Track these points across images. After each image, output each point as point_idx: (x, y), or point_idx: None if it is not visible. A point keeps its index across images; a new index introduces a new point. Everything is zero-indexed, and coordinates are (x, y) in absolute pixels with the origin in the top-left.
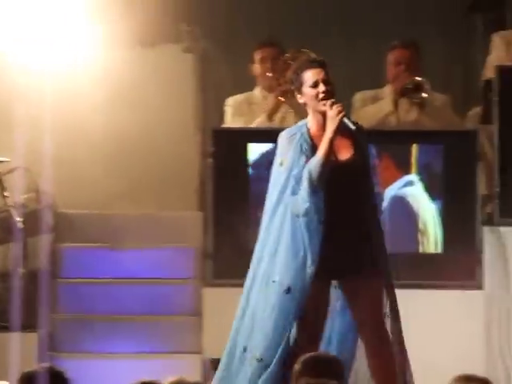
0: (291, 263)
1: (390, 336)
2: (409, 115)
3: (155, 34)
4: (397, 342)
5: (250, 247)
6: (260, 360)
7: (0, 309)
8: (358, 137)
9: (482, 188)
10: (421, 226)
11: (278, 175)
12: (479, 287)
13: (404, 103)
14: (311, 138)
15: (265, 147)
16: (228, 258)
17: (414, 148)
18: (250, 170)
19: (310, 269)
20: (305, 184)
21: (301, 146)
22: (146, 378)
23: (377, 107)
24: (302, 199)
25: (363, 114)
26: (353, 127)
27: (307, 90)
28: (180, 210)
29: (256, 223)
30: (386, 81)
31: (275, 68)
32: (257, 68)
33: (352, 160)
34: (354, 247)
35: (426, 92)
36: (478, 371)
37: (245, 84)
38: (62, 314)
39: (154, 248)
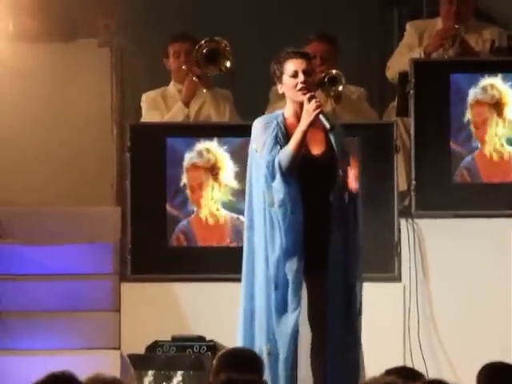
0: (271, 256)
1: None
2: (325, 108)
3: (71, 28)
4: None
5: (167, 242)
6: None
7: None
8: (333, 134)
9: (400, 180)
10: None
11: (256, 164)
12: (397, 279)
13: (320, 96)
14: (286, 128)
15: (181, 142)
16: (146, 253)
17: None
18: (168, 165)
19: (293, 262)
20: (277, 175)
21: (276, 135)
22: (57, 371)
23: None
24: (275, 189)
25: (279, 107)
26: (328, 126)
27: (287, 79)
28: (98, 205)
29: (173, 218)
30: None
31: (189, 61)
32: (171, 62)
33: (324, 156)
34: (318, 243)
35: (341, 85)
36: (397, 362)
37: (162, 78)
38: None
39: (72, 243)
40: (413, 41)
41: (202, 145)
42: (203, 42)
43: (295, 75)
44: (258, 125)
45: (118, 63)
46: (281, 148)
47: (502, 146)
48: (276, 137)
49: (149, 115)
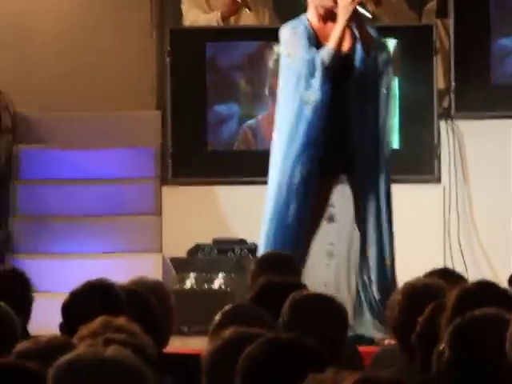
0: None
1: None
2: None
3: None
4: None
5: (208, 145)
6: None
7: None
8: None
9: (439, 82)
10: None
11: (287, 68)
12: (437, 181)
13: None
14: (314, 30)
15: (222, 46)
16: (187, 156)
17: None
18: (207, 69)
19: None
20: (318, 74)
21: (308, 37)
22: (94, 279)
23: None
24: (314, 89)
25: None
26: (369, 15)
27: None
28: (138, 109)
29: (214, 122)
30: None
31: None
32: None
33: (352, 51)
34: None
35: None
36: (437, 263)
37: None
38: (21, 215)
39: (113, 148)
40: None
41: None
42: None
43: None
44: (285, 30)
45: None
46: (315, 49)
47: None
48: (308, 38)
49: (190, 13)
